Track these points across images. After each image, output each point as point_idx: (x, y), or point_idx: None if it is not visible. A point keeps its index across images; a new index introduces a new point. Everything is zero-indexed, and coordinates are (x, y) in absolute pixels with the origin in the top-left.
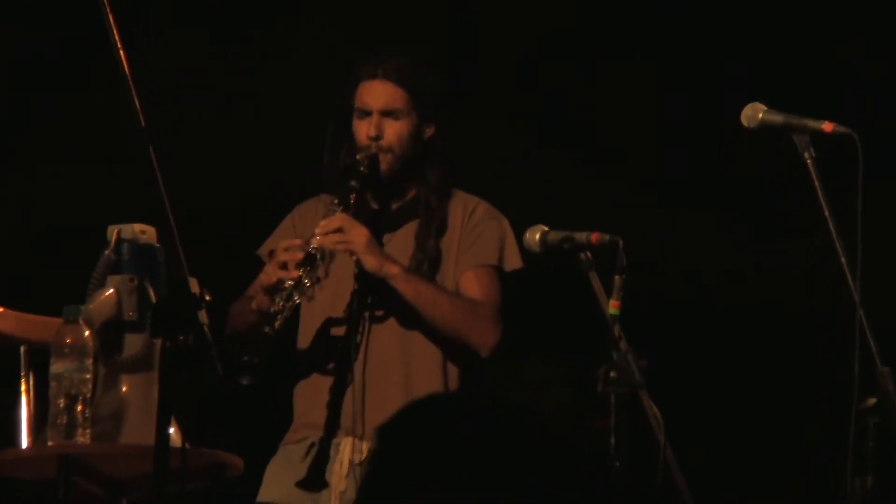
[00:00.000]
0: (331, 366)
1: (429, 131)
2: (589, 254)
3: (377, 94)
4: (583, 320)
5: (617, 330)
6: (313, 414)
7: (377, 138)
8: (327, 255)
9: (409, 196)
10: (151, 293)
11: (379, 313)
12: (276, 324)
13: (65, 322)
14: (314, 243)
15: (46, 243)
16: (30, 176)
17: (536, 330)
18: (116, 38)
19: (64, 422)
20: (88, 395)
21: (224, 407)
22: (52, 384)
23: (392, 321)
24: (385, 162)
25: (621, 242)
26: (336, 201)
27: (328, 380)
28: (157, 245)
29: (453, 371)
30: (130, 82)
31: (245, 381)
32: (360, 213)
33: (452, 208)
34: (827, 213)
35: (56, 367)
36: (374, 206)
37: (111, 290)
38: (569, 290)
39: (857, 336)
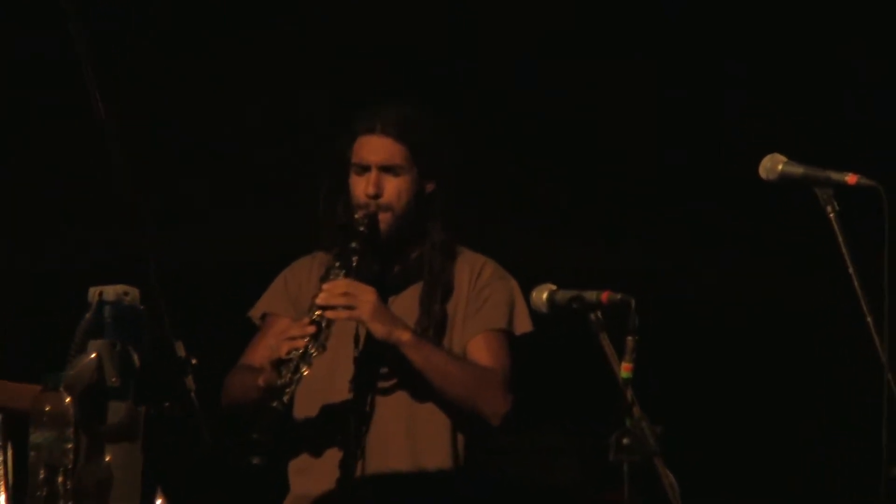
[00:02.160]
0: (332, 437)
1: (430, 187)
2: (599, 314)
3: (376, 149)
4: (593, 384)
5: (630, 394)
6: (314, 486)
7: (376, 196)
8: (332, 322)
9: (412, 256)
10: (135, 358)
11: (383, 382)
12: (285, 398)
13: (44, 389)
14: (318, 308)
15: (24, 306)
16: (5, 232)
17: (544, 395)
18: (97, 94)
19: (44, 494)
20: (70, 466)
21: (212, 476)
22: (32, 454)
23: (398, 390)
24: (384, 221)
25: (633, 302)
26: (337, 264)
27: (330, 452)
28: (142, 307)
29: (461, 442)
30: (114, 137)
31: (256, 461)
32: (361, 276)
33: (458, 268)
34: (852, 270)
35: (35, 436)
36: (376, 267)
37: (93, 355)
38: (578, 352)
39: (884, 399)
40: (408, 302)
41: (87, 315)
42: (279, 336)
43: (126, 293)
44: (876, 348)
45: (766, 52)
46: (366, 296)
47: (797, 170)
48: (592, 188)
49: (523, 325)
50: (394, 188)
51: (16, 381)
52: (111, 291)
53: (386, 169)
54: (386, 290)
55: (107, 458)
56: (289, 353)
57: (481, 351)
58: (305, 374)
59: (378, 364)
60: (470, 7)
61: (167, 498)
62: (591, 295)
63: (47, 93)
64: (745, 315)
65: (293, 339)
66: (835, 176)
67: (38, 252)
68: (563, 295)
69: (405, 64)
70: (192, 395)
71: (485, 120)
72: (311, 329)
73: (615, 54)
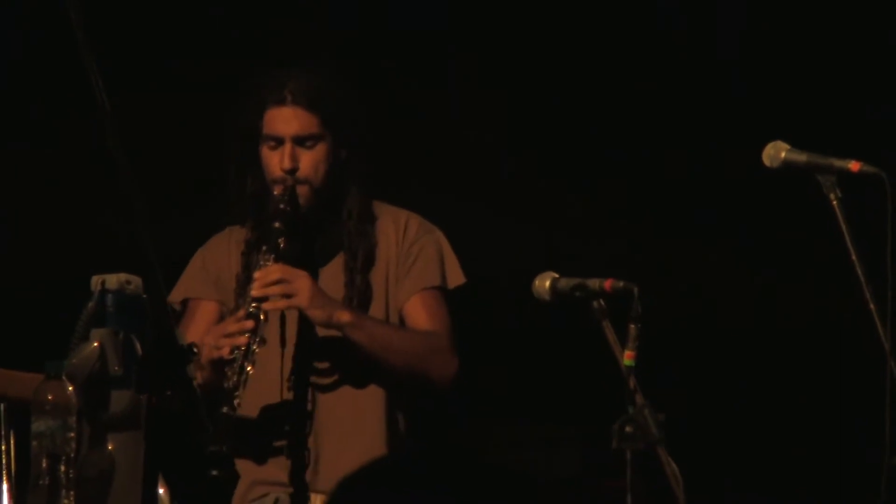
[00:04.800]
0: (278, 435)
1: (344, 153)
2: (602, 302)
3: (288, 121)
4: (596, 373)
5: (632, 382)
6: (268, 472)
7: (293, 170)
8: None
9: (333, 225)
10: (138, 347)
11: (323, 374)
12: (236, 402)
13: (46, 378)
14: (254, 297)
15: (26, 294)
16: (7, 222)
17: (546, 385)
18: (98, 80)
19: (46, 483)
20: (72, 455)
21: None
22: (34, 443)
23: (340, 379)
24: (303, 195)
25: (637, 289)
26: (265, 248)
27: (279, 450)
28: (144, 296)
29: (401, 415)
30: (114, 128)
31: (217, 473)
32: (289, 256)
33: (381, 228)
34: (855, 258)
35: (37, 425)
36: (299, 244)
37: (95, 344)
38: (581, 340)
39: (887, 387)
40: (334, 273)
41: (90, 304)
42: (216, 333)
43: (128, 282)
44: (879, 338)
45: (766, 51)
46: (301, 281)
47: (800, 157)
48: (596, 184)
49: (456, 278)
50: (310, 160)
51: (18, 370)
52: (113, 280)
53: (300, 141)
54: (312, 265)
55: (109, 447)
56: (232, 352)
57: (419, 313)
58: (251, 371)
59: (314, 354)
60: (470, 5)
61: (169, 487)
62: (594, 283)
63: (50, 84)
64: (751, 306)
65: (232, 335)
66: (838, 163)
67: (40, 240)
68: (566, 283)
69: (404, 60)
70: (194, 383)
71: (485, 119)
72: (250, 324)
73: (615, 53)
